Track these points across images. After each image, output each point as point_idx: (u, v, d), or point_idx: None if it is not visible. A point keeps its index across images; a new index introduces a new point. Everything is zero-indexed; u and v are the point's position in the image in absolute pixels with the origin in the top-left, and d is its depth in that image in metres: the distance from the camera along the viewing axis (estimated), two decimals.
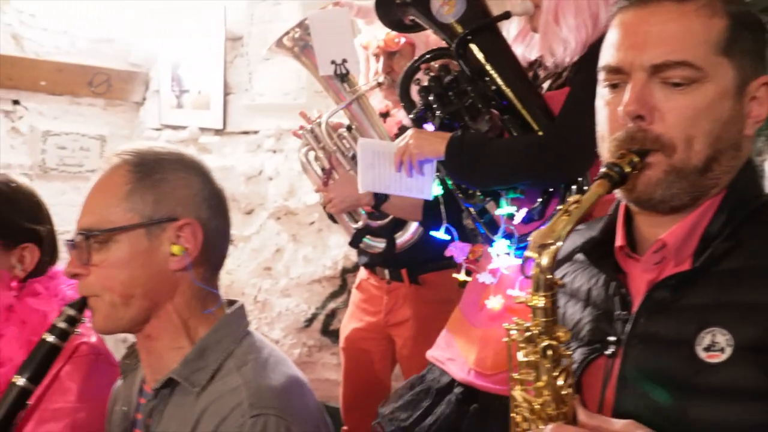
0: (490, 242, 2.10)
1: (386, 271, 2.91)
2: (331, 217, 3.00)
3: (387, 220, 2.80)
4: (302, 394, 1.31)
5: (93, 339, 1.55)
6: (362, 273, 3.06)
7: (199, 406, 1.23)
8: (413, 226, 2.79)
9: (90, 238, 1.25)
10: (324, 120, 2.78)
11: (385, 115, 2.91)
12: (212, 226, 1.32)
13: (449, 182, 2.21)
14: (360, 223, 2.81)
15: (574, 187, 1.97)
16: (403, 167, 2.19)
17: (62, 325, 1.22)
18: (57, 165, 4.46)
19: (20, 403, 1.17)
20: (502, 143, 2.02)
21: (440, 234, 2.28)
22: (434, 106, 2.05)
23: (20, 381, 1.18)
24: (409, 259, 2.84)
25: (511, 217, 2.05)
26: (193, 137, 4.42)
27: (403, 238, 2.80)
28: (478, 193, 2.11)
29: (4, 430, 1.15)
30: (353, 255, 3.77)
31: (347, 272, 3.87)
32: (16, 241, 1.59)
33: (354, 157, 2.79)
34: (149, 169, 1.29)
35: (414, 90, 2.14)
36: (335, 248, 3.88)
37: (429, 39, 2.76)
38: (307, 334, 3.99)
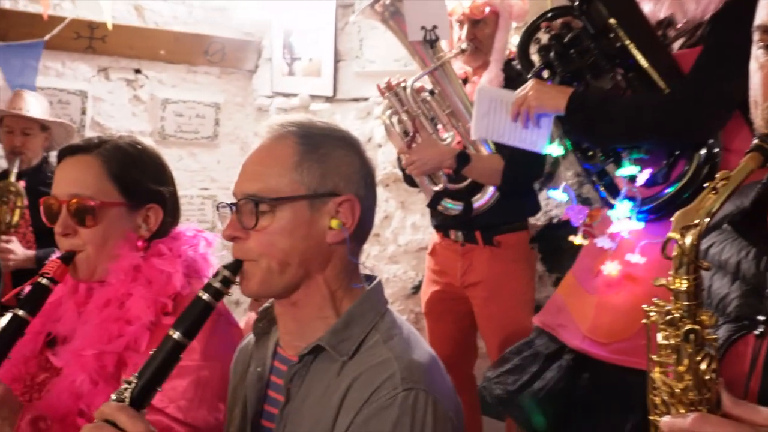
0: (610, 205, 2.03)
1: (459, 234, 2.93)
2: (409, 181, 3.02)
3: (465, 183, 2.82)
4: (441, 371, 1.32)
5: None
6: (434, 238, 3.08)
7: (346, 374, 1.26)
8: (490, 190, 2.82)
9: (257, 204, 1.27)
10: (409, 84, 2.82)
11: (464, 80, 2.93)
12: (367, 204, 1.35)
13: (568, 142, 2.15)
14: (440, 186, 2.85)
15: (703, 151, 1.87)
16: (520, 118, 2.15)
17: (217, 285, 1.24)
18: (175, 132, 4.62)
19: (175, 356, 1.21)
20: (628, 100, 1.94)
21: (558, 194, 2.23)
22: (554, 64, 1.98)
23: (175, 335, 1.21)
24: (484, 221, 2.87)
25: (633, 179, 1.97)
26: (303, 104, 4.47)
27: (480, 201, 2.83)
28: (599, 154, 2.04)
29: (161, 380, 1.20)
30: None
31: None
32: (142, 201, 1.63)
33: (434, 120, 2.83)
34: (316, 144, 1.31)
35: (533, 49, 2.07)
36: None
37: (513, 9, 2.79)
38: (414, 301, 3.99)
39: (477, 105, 2.35)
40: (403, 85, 2.83)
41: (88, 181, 1.59)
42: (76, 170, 1.61)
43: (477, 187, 2.84)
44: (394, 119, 2.88)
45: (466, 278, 2.92)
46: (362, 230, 1.35)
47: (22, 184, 3.56)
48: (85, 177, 1.60)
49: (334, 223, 1.29)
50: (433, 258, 3.07)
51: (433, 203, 2.88)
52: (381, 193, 4.16)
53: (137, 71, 4.54)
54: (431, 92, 2.84)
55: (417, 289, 3.99)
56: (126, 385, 1.19)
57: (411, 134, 2.82)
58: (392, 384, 1.21)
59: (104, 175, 1.60)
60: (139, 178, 1.64)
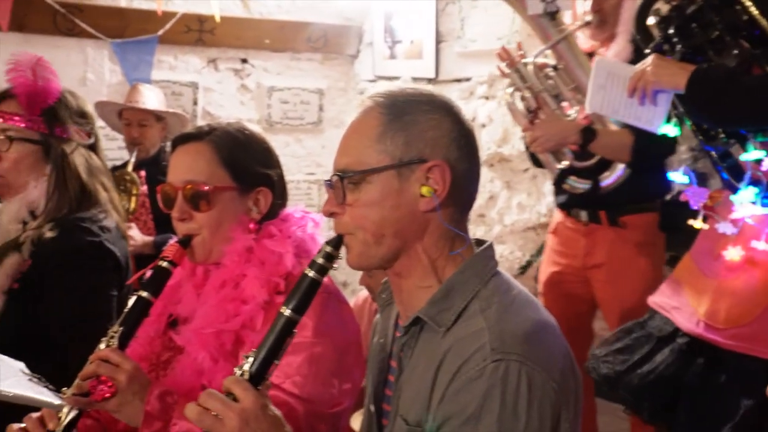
0: (733, 189, 1.93)
1: (584, 213, 2.83)
2: (535, 161, 2.95)
3: (593, 161, 2.72)
4: (547, 339, 1.27)
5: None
6: (557, 216, 2.99)
7: (443, 345, 1.25)
8: (619, 168, 2.69)
9: (345, 178, 1.29)
10: (531, 59, 2.75)
11: (590, 55, 2.79)
12: (461, 168, 1.30)
13: (688, 122, 2.06)
14: (565, 163, 2.76)
15: None
16: (636, 94, 2.07)
17: (321, 261, 1.27)
18: (281, 119, 4.73)
19: (287, 331, 1.25)
20: (755, 79, 1.83)
21: (678, 176, 2.14)
22: (674, 39, 1.89)
23: (286, 311, 1.25)
24: (610, 201, 2.75)
25: (759, 162, 1.87)
26: None
27: (609, 180, 2.72)
28: (721, 135, 1.93)
29: (276, 355, 1.24)
30: None
31: None
32: (252, 185, 1.66)
33: (558, 96, 2.74)
34: (399, 111, 1.29)
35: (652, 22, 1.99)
36: (551, 195, 3.77)
37: None
38: (521, 282, 3.93)
39: (593, 77, 2.28)
40: (524, 61, 2.75)
41: (201, 167, 1.64)
42: (189, 157, 1.67)
43: (605, 165, 2.72)
44: (517, 96, 2.80)
45: (588, 259, 2.84)
46: (460, 195, 1.32)
47: (141, 173, 3.75)
48: (197, 163, 1.65)
49: (425, 190, 1.27)
50: (555, 237, 2.98)
51: (558, 181, 2.79)
52: (485, 173, 4.12)
53: (244, 61, 4.69)
54: (554, 67, 2.74)
55: (524, 269, 3.95)
56: (245, 360, 1.24)
57: (533, 111, 2.73)
58: (482, 355, 1.19)
59: (216, 160, 1.65)
60: (249, 163, 1.68)
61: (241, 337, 1.58)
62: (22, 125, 2.04)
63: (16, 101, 2.04)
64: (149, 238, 3.55)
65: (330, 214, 1.33)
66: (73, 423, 1.54)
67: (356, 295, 3.07)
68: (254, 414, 1.17)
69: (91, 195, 2.10)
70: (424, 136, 1.29)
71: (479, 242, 1.38)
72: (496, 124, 4.06)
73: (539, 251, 3.88)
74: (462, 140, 1.32)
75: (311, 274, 1.27)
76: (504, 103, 3.91)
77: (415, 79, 4.44)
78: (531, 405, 1.17)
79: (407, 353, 1.32)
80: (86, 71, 4.30)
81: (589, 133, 2.63)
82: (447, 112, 1.32)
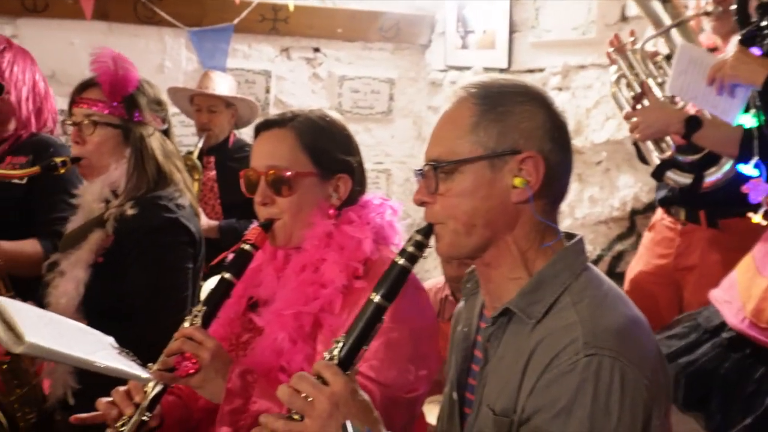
0: None
1: (682, 211, 2.73)
2: (639, 155, 2.83)
3: (699, 156, 2.59)
4: (640, 336, 1.27)
5: None
6: (657, 213, 2.89)
7: (533, 338, 1.25)
8: (727, 165, 2.53)
9: (437, 168, 1.30)
10: (640, 46, 2.67)
11: (712, 50, 2.61)
12: (554, 160, 1.30)
13: (762, 116, 2.00)
14: (666, 154, 2.64)
15: None
16: (714, 84, 2.03)
17: (411, 249, 1.29)
18: (351, 108, 4.77)
19: (376, 317, 1.27)
20: None
21: (748, 168, 2.09)
22: (766, 31, 1.84)
23: (376, 298, 1.27)
24: (711, 200, 2.62)
25: None
26: None
27: (714, 177, 2.58)
28: None
29: (365, 340, 1.26)
30: (644, 196, 3.58)
31: (637, 214, 3.68)
32: (332, 171, 1.69)
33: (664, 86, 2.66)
34: (494, 102, 1.30)
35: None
36: (624, 189, 3.70)
37: None
38: None
39: (676, 61, 2.25)
40: (633, 47, 2.68)
41: (283, 153, 1.68)
42: (271, 143, 1.71)
43: (712, 161, 2.57)
44: (622, 83, 2.72)
45: (680, 260, 2.75)
46: (552, 187, 1.31)
47: (211, 159, 3.83)
48: (280, 149, 1.69)
49: (518, 181, 1.27)
50: (652, 234, 2.90)
51: (658, 173, 2.67)
52: None
53: (316, 50, 4.73)
54: (667, 57, 2.63)
55: (595, 263, 3.89)
56: (335, 345, 1.26)
57: (637, 96, 2.64)
58: (574, 349, 1.18)
59: (298, 146, 1.68)
60: (330, 149, 1.71)
61: (320, 319, 1.61)
62: (105, 111, 2.16)
63: (100, 89, 2.17)
64: (214, 223, 3.64)
65: (421, 203, 1.35)
66: (158, 397, 1.60)
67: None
68: (344, 398, 1.19)
69: (166, 176, 2.21)
70: (519, 127, 1.29)
71: (568, 236, 1.37)
72: (569, 116, 3.95)
73: (610, 246, 3.82)
74: (556, 132, 1.31)
75: (401, 261, 1.28)
76: (578, 95, 3.89)
77: (486, 70, 4.41)
78: (623, 402, 1.16)
79: (494, 343, 1.33)
80: (164, 59, 4.41)
81: (694, 122, 2.46)
82: (541, 103, 1.32)
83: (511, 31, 4.27)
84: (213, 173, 3.84)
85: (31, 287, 2.24)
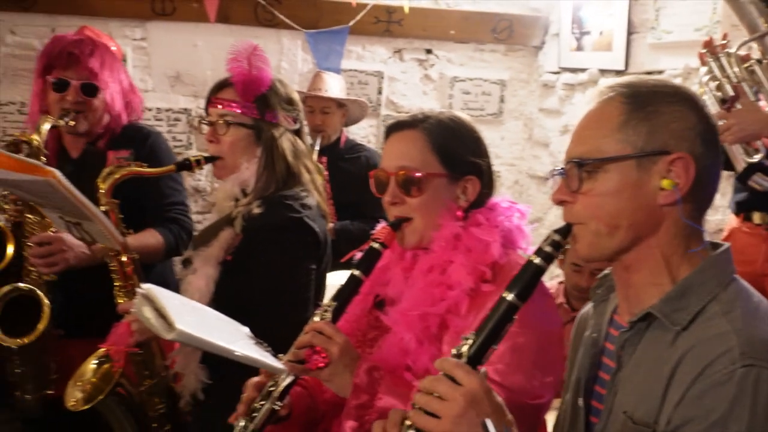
0: None
1: (758, 215, 2.71)
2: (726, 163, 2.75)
3: None
4: None
5: None
6: (732, 221, 2.84)
7: (679, 346, 1.22)
8: None
9: (581, 166, 1.28)
10: (734, 50, 2.64)
11: None
12: (705, 163, 1.26)
13: None
14: (756, 157, 2.60)
15: None
16: None
17: (548, 249, 1.26)
18: (462, 109, 4.76)
19: (508, 316, 1.25)
20: None
21: None
22: None
23: (509, 297, 1.25)
24: None
25: None
26: (592, 79, 4.37)
27: None
28: None
29: (495, 339, 1.25)
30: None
31: None
32: (462, 173, 1.70)
33: (758, 92, 2.62)
34: (643, 101, 1.28)
35: None
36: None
37: None
38: None
39: None
40: (726, 50, 2.65)
41: (414, 154, 1.70)
42: (402, 144, 1.73)
43: None
44: (712, 85, 2.69)
45: (767, 266, 2.68)
46: (701, 192, 1.28)
47: (323, 159, 3.90)
48: (411, 150, 1.71)
49: (666, 183, 1.24)
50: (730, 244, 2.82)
51: (744, 177, 2.63)
52: None
53: (428, 51, 4.76)
54: (759, 61, 2.61)
55: None
56: (464, 342, 1.25)
57: (731, 99, 2.61)
58: (729, 359, 1.14)
59: (428, 148, 1.70)
60: (460, 151, 1.72)
61: (446, 321, 1.62)
62: (238, 111, 2.21)
63: (233, 89, 2.21)
64: (329, 224, 3.69)
65: (560, 202, 1.33)
66: (288, 387, 1.66)
67: None
68: (479, 398, 1.17)
69: (295, 176, 2.24)
70: (669, 127, 1.25)
71: (713, 245, 1.33)
72: None
73: None
74: (707, 135, 1.28)
75: (537, 261, 1.26)
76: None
77: (602, 72, 4.32)
78: None
79: (628, 350, 1.30)
80: (281, 60, 4.54)
81: None
82: (692, 104, 1.28)
83: (630, 32, 4.16)
84: (325, 174, 3.91)
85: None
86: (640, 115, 1.26)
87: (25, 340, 2.57)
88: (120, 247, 2.19)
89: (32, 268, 2.59)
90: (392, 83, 4.72)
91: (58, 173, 1.97)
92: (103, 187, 2.21)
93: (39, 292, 2.61)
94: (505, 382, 1.51)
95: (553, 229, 1.30)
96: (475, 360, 1.24)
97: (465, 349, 1.24)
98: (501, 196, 1.78)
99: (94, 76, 2.58)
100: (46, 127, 2.56)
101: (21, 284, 2.67)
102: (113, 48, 2.70)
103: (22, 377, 2.76)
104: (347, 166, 3.88)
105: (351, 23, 4.46)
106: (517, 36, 4.76)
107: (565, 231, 1.29)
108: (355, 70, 4.58)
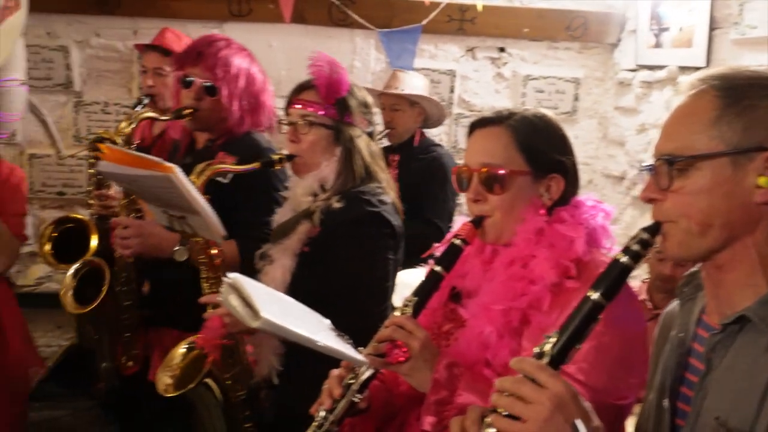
0: None
1: None
2: None
3: None
4: None
5: None
6: None
7: None
8: None
9: (672, 164, 1.25)
10: None
11: None
12: None
13: None
14: None
15: None
16: None
17: (635, 247, 1.22)
18: (532, 106, 4.70)
19: (593, 316, 1.22)
20: None
21: None
22: None
23: (594, 295, 1.22)
24: None
25: None
26: (670, 77, 4.26)
27: None
28: None
29: (579, 339, 1.21)
30: None
31: None
32: (546, 171, 1.69)
33: None
34: (738, 95, 1.23)
35: None
36: None
37: None
38: None
39: None
40: None
41: (498, 151, 1.69)
42: (486, 141, 1.72)
43: None
44: None
45: None
46: None
47: (395, 157, 3.92)
48: (494, 147, 1.70)
49: (763, 180, 1.19)
50: None
51: None
52: None
53: (501, 50, 4.73)
54: None
55: None
56: (547, 340, 1.22)
57: None
58: None
59: (512, 145, 1.68)
60: (544, 149, 1.70)
61: (527, 316, 1.60)
62: (320, 112, 2.28)
63: (315, 91, 2.28)
64: None
65: (649, 200, 1.30)
66: (368, 381, 1.67)
67: None
68: (566, 401, 1.13)
69: (372, 174, 2.31)
70: (766, 122, 1.20)
71: None
72: None
73: None
74: None
75: (624, 259, 1.22)
76: None
77: (682, 69, 4.21)
78: None
79: (720, 352, 1.25)
80: (354, 59, 4.58)
81: None
82: None
83: (711, 28, 4.04)
84: (395, 172, 3.92)
85: None
86: (736, 110, 1.21)
87: (89, 308, 2.79)
88: (221, 240, 2.27)
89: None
90: (464, 82, 4.70)
91: (177, 169, 2.05)
92: (196, 182, 2.28)
93: (105, 266, 2.75)
94: (589, 381, 1.49)
95: (641, 227, 1.26)
96: (558, 359, 1.21)
97: (548, 347, 1.21)
98: (585, 195, 1.76)
99: (215, 77, 2.64)
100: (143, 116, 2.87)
101: (92, 258, 2.84)
102: (238, 58, 2.72)
103: (99, 343, 2.94)
104: (417, 166, 3.89)
105: (424, 22, 4.47)
106: (593, 33, 4.68)
107: (654, 229, 1.25)
108: (428, 69, 4.58)
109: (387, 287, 2.26)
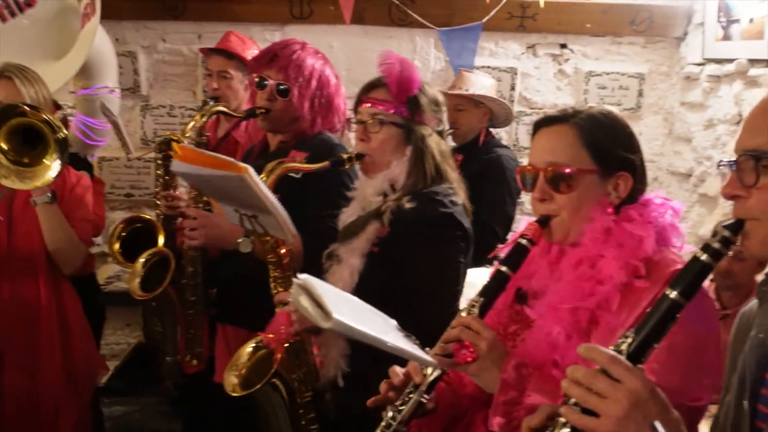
0: None
1: None
2: None
3: None
4: None
5: None
6: None
7: None
8: None
9: (759, 160, 1.22)
10: None
11: None
12: None
13: None
14: None
15: None
16: None
17: (716, 245, 1.19)
18: (597, 104, 4.62)
19: (671, 315, 1.19)
20: None
21: None
22: None
23: (672, 294, 1.19)
24: None
25: None
26: (740, 70, 4.13)
27: None
28: None
29: (656, 338, 1.20)
30: None
31: None
32: (613, 169, 1.66)
33: None
34: None
35: None
36: None
37: None
38: None
39: None
40: None
41: (564, 149, 1.67)
42: (552, 139, 1.70)
43: None
44: None
45: None
46: None
47: (458, 157, 3.90)
48: (560, 145, 1.68)
49: None
50: None
51: None
52: None
53: (563, 46, 4.67)
54: None
55: None
56: (623, 340, 1.21)
57: None
58: None
59: (579, 143, 1.66)
60: (612, 146, 1.68)
61: (596, 316, 1.58)
62: (390, 111, 2.24)
63: (386, 90, 2.25)
64: None
65: (731, 197, 1.27)
66: (436, 381, 1.67)
67: None
68: (644, 397, 1.12)
69: (443, 174, 2.27)
70: None
71: None
72: None
73: None
74: None
75: (704, 258, 1.19)
76: None
77: (752, 62, 4.08)
78: None
79: None
80: (414, 59, 4.58)
81: None
82: None
83: None
84: (458, 172, 3.89)
85: None
86: None
87: (153, 294, 2.85)
88: (292, 239, 2.27)
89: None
90: (525, 79, 4.66)
91: (250, 169, 2.06)
92: (267, 181, 2.30)
93: (171, 258, 2.82)
94: (661, 382, 1.43)
95: (722, 224, 1.22)
96: (634, 359, 1.19)
97: (624, 347, 1.19)
98: (653, 192, 1.72)
99: (288, 78, 2.67)
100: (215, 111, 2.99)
101: (160, 249, 2.92)
102: (310, 59, 2.75)
103: (163, 338, 3.00)
104: (477, 166, 3.86)
105: (484, 20, 4.44)
106: (658, 27, 4.58)
107: (736, 227, 1.22)
108: (488, 67, 4.55)
109: (456, 291, 2.21)
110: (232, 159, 2.11)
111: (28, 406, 2.80)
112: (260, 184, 2.10)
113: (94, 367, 3.08)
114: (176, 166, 2.22)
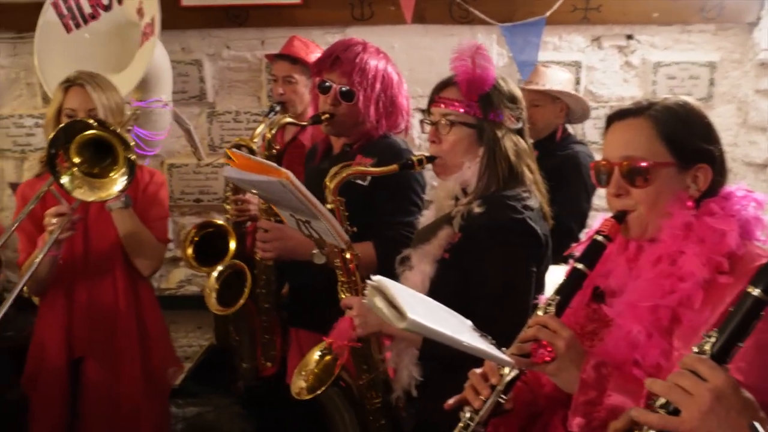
0: None
1: None
2: None
3: None
4: None
5: None
6: None
7: None
8: None
9: None
10: None
11: None
12: None
13: None
14: None
15: None
16: None
17: None
18: (671, 95, 4.50)
19: (754, 313, 1.18)
20: None
21: None
22: None
23: (755, 291, 1.18)
24: None
25: None
26: None
27: None
28: None
29: (740, 336, 1.19)
30: None
31: None
32: (692, 161, 1.61)
33: None
34: None
35: None
36: None
37: None
38: None
39: None
40: None
41: (639, 142, 1.63)
42: (627, 133, 1.66)
43: None
44: None
45: None
46: None
47: (535, 153, 3.84)
48: (636, 139, 1.64)
49: None
50: None
51: None
52: None
53: (629, 37, 4.56)
54: None
55: None
56: (706, 339, 1.20)
57: None
58: None
59: (655, 136, 1.62)
60: (689, 138, 1.63)
61: (678, 314, 1.54)
62: (461, 110, 2.16)
63: (457, 88, 2.17)
64: None
65: None
66: (513, 381, 1.66)
67: None
68: (727, 394, 1.13)
69: (517, 176, 2.16)
70: None
71: None
72: None
73: None
74: None
75: None
76: None
77: None
78: None
79: None
80: None
81: None
82: None
83: None
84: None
85: None
86: None
87: (232, 310, 2.94)
88: (344, 245, 2.23)
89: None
90: (590, 72, 4.57)
91: (291, 175, 2.02)
92: (330, 185, 2.31)
93: (247, 270, 2.87)
94: (749, 381, 1.40)
95: None
96: (719, 358, 1.19)
97: (708, 347, 1.19)
98: (737, 184, 1.67)
99: (352, 82, 2.66)
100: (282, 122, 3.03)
101: (235, 261, 2.97)
102: (373, 60, 2.72)
103: (240, 345, 3.06)
104: (552, 163, 3.79)
105: (547, 14, 4.37)
106: (729, 13, 4.42)
107: None
108: (552, 61, 4.47)
109: (528, 300, 2.07)
110: (274, 164, 2.09)
111: (111, 408, 2.89)
112: (303, 189, 2.06)
113: (171, 367, 3.16)
114: (227, 171, 2.18)
